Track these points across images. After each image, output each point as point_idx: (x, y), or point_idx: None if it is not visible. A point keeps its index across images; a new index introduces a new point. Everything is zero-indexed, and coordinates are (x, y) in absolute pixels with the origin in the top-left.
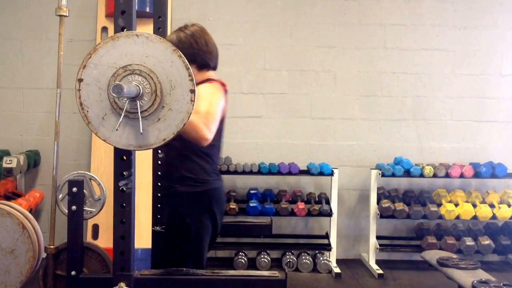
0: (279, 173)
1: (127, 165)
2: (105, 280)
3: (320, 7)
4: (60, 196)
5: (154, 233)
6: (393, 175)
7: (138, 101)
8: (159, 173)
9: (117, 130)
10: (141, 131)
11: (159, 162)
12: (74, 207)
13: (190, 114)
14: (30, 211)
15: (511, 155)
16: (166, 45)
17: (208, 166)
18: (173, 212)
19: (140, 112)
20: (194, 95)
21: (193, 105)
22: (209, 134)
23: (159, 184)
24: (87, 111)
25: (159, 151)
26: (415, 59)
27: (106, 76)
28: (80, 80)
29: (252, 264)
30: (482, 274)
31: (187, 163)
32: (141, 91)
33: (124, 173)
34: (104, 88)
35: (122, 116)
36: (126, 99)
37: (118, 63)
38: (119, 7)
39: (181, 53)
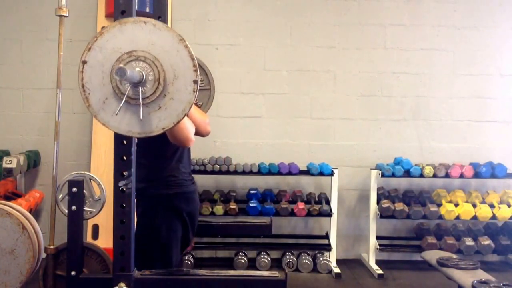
0: (279, 173)
1: (127, 165)
2: (105, 280)
3: (320, 7)
4: (60, 196)
5: None
6: (393, 175)
7: (140, 88)
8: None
9: (117, 114)
10: (141, 117)
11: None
12: (74, 207)
13: (192, 105)
14: (30, 211)
15: (511, 155)
16: (173, 34)
17: (179, 169)
18: (142, 214)
19: (142, 98)
20: (197, 86)
21: (195, 96)
22: (193, 136)
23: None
24: (89, 94)
25: None
26: (415, 59)
27: (111, 60)
28: (84, 62)
29: (252, 264)
30: (482, 274)
31: (158, 166)
32: (144, 78)
33: (124, 173)
34: (108, 72)
35: (123, 101)
36: (128, 84)
37: (123, 48)
38: (119, 7)
39: (187, 43)
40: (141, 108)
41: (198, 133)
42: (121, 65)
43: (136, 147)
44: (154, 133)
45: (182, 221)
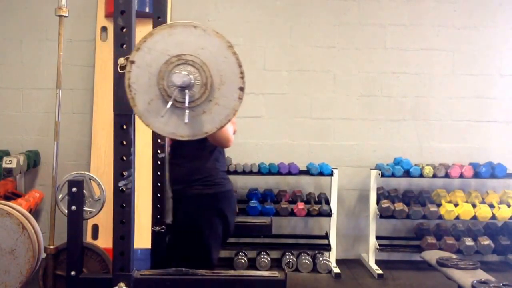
0: (279, 173)
1: (127, 165)
2: (105, 280)
3: (320, 7)
4: (60, 196)
5: (154, 233)
6: (393, 175)
7: (187, 91)
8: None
9: (162, 117)
10: (186, 120)
11: (158, 162)
12: (74, 207)
13: (236, 111)
14: (30, 211)
15: (510, 155)
16: (222, 40)
17: (217, 168)
18: (184, 214)
19: (188, 102)
20: (243, 93)
21: (240, 103)
22: (232, 136)
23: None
24: (135, 94)
25: (159, 151)
26: (415, 59)
27: (158, 62)
28: (132, 62)
29: (252, 264)
30: (481, 274)
31: (196, 166)
32: (192, 82)
33: (124, 173)
34: (155, 73)
35: (169, 104)
36: (175, 88)
37: (171, 51)
38: (118, 7)
39: (235, 50)
40: (187, 112)
41: None
42: (180, 72)
43: (169, 148)
44: (197, 136)
45: (223, 220)
